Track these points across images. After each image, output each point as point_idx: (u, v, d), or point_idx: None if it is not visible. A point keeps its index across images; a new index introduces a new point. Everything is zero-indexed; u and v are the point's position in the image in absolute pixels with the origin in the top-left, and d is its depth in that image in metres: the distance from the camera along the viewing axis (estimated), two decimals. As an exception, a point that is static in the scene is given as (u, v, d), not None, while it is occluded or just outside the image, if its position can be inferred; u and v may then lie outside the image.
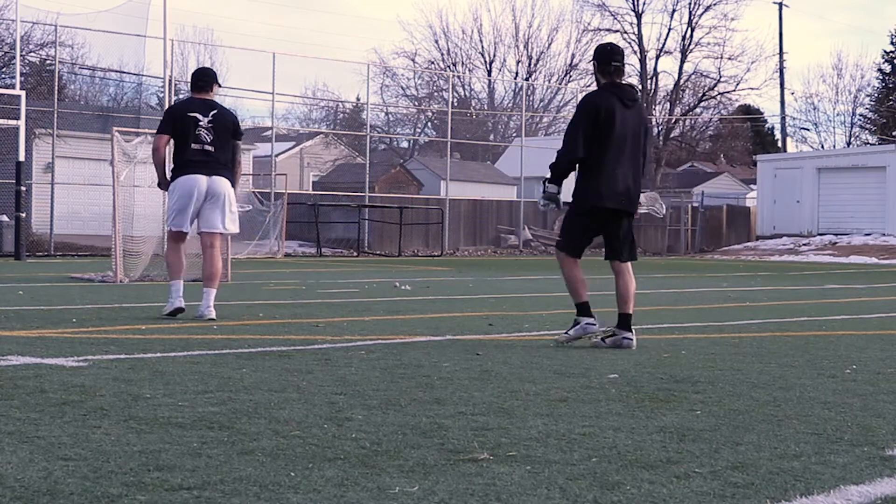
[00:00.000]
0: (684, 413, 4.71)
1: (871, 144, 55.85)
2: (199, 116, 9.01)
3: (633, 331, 7.34)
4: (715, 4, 50.21)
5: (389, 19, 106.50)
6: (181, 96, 28.59)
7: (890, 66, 60.46)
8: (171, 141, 9.09)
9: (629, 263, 7.52)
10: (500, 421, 4.42)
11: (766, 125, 65.92)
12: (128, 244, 14.99)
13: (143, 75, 33.04)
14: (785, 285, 17.66)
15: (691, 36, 50.76)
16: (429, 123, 56.13)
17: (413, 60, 57.55)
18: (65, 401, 4.68)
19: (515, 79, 57.71)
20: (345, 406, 4.70)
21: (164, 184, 9.25)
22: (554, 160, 7.42)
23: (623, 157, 7.37)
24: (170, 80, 23.87)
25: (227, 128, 9.11)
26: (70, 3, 55.93)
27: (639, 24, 50.29)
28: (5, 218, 25.49)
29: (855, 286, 17.63)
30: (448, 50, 58.78)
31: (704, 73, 52.23)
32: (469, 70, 58.72)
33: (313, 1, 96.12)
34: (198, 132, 8.97)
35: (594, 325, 7.37)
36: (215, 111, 9.11)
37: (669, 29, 51.31)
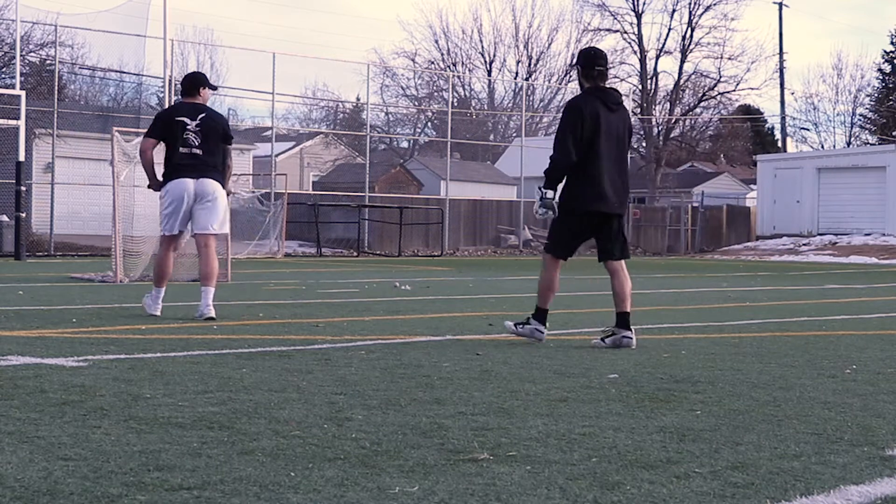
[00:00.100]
0: (684, 413, 4.71)
1: (871, 144, 55.82)
2: (187, 120, 9.13)
3: (633, 329, 7.36)
4: (715, 4, 50.21)
5: (389, 19, 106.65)
6: (181, 97, 28.57)
7: (890, 66, 60.42)
8: (161, 144, 9.27)
9: (623, 262, 7.56)
10: (500, 421, 4.42)
11: (766, 125, 65.89)
12: (128, 244, 14.99)
13: (143, 75, 33.07)
14: (785, 285, 17.66)
15: (691, 36, 50.75)
16: (429, 123, 56.14)
17: (413, 60, 57.64)
18: (65, 401, 4.68)
19: (515, 79, 57.75)
20: (345, 406, 4.70)
21: (153, 184, 9.40)
22: (548, 166, 7.44)
23: (610, 160, 7.42)
24: (170, 80, 23.87)
25: (217, 131, 9.21)
26: (70, 3, 55.98)
27: (639, 24, 50.30)
28: (5, 218, 25.48)
29: (855, 286, 17.63)
30: (448, 50, 58.87)
31: (704, 73, 52.20)
32: (469, 70, 58.76)
33: (313, 1, 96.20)
34: (186, 136, 9.10)
35: (543, 333, 7.52)
36: (203, 115, 9.21)
37: (669, 29, 51.31)
